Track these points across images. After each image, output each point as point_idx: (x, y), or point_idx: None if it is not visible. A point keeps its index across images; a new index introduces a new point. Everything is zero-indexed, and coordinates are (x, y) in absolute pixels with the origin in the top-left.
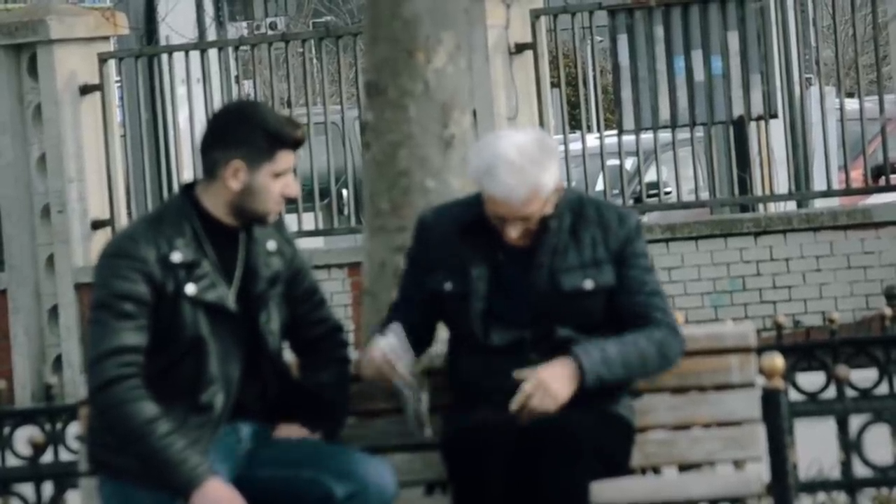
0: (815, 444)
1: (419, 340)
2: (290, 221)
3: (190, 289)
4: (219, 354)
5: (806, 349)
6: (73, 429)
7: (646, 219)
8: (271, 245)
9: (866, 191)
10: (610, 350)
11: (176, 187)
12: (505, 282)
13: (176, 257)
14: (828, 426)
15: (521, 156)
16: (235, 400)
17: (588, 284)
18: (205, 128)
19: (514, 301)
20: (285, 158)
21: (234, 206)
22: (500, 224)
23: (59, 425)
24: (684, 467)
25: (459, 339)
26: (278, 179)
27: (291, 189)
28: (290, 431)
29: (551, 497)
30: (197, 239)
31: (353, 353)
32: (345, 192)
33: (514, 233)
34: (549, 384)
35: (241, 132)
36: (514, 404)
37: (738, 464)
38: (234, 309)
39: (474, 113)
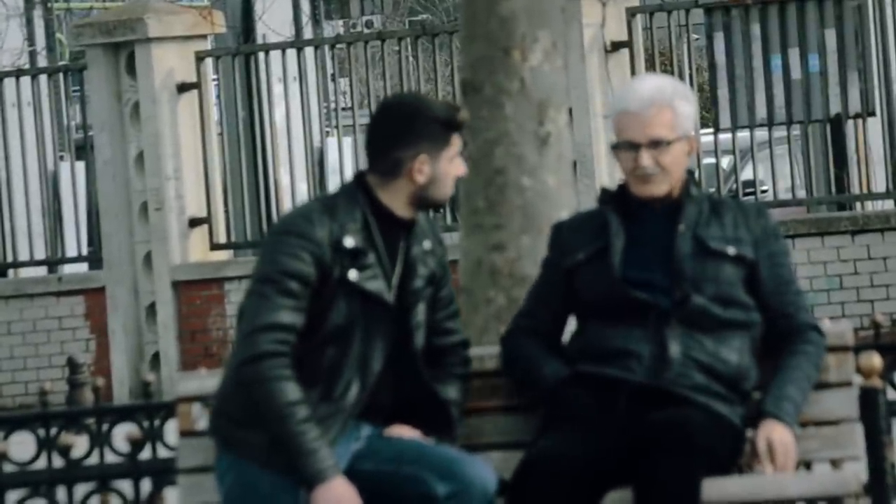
0: None
1: (552, 344)
2: None
3: (353, 275)
4: (363, 346)
5: None
6: (171, 425)
7: None
8: (427, 244)
9: None
10: (798, 399)
11: (272, 184)
12: (645, 244)
13: (348, 242)
14: None
15: (662, 78)
16: (369, 396)
17: (731, 251)
18: (373, 130)
19: (655, 263)
20: (457, 141)
21: (416, 198)
22: (634, 159)
23: (157, 422)
24: None
25: (591, 309)
26: (452, 163)
27: (462, 168)
28: (401, 432)
29: (665, 491)
30: (367, 228)
31: None
32: None
33: (647, 160)
34: (786, 440)
35: (418, 126)
36: (767, 467)
37: (835, 463)
38: (391, 302)
39: (570, 111)
